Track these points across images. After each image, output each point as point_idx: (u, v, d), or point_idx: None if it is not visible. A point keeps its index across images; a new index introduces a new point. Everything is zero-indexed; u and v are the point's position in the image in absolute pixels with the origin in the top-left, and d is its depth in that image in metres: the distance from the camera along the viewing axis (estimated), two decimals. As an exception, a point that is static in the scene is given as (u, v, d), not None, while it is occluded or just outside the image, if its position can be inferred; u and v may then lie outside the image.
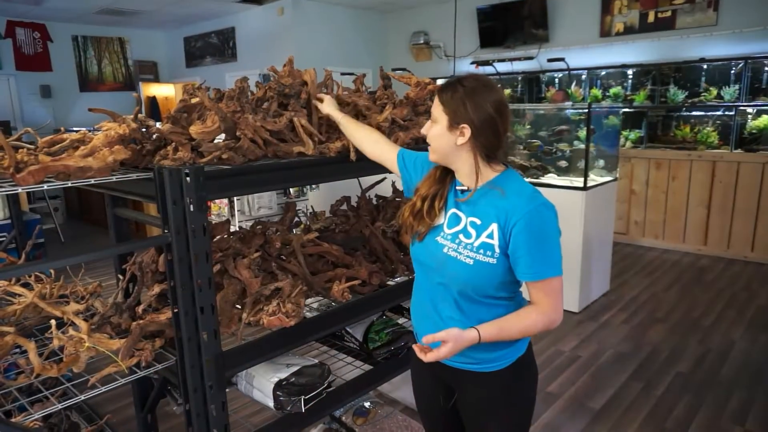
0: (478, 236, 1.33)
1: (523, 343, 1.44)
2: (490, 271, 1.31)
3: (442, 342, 1.25)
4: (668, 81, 6.08)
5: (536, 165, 4.55)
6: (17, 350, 1.56)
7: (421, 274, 1.48)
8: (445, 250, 1.37)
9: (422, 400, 1.61)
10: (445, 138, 1.34)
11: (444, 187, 1.43)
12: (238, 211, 3.96)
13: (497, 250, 1.30)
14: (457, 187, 1.41)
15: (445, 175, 1.44)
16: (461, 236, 1.35)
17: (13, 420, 1.34)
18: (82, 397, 1.38)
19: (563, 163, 4.54)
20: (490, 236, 1.31)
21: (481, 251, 1.31)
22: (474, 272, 1.32)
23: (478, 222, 1.34)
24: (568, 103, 6.09)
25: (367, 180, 2.24)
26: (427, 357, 1.27)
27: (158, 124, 1.55)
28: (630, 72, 6.43)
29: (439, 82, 1.65)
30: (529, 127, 5.07)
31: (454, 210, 1.40)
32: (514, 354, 1.41)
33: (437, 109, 1.35)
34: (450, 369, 1.44)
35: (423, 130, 1.42)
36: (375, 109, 1.93)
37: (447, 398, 1.51)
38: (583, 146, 4.25)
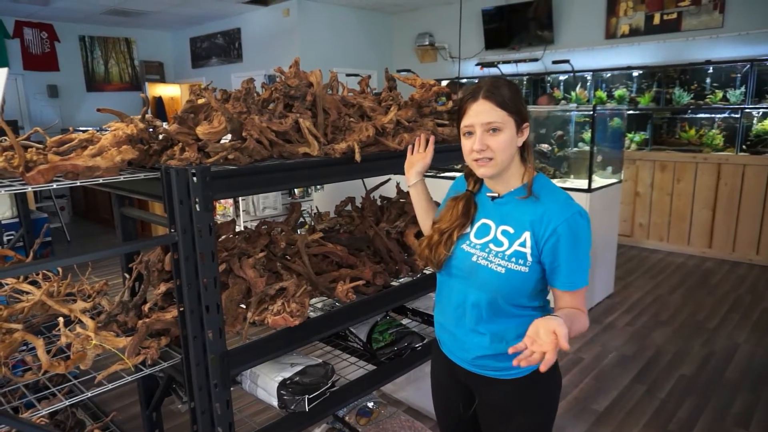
0: (510, 245, 1.29)
1: None
2: (522, 279, 1.28)
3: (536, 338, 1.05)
4: (673, 83, 6.07)
5: (541, 167, 4.56)
6: (24, 347, 1.58)
7: (449, 285, 1.43)
8: (474, 258, 1.34)
9: (441, 404, 1.59)
10: (513, 145, 1.28)
11: (468, 219, 1.38)
12: (243, 211, 3.97)
13: (530, 258, 1.27)
14: (488, 194, 1.38)
15: (468, 208, 1.39)
16: (491, 245, 1.32)
17: (20, 416, 1.36)
18: (89, 394, 1.39)
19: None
20: (523, 244, 1.28)
21: (513, 260, 1.28)
22: (505, 280, 1.29)
23: (511, 230, 1.31)
24: (573, 105, 6.09)
25: (372, 181, 2.25)
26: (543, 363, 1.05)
27: (165, 125, 1.56)
28: (635, 74, 6.42)
29: (444, 83, 1.64)
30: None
31: (483, 220, 1.37)
32: None
33: (496, 114, 1.25)
34: (470, 374, 1.42)
35: (477, 146, 1.26)
36: (380, 111, 1.94)
37: (467, 404, 1.49)
38: (586, 148, 4.25)
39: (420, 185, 1.63)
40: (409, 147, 1.67)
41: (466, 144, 1.31)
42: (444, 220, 1.42)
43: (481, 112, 1.25)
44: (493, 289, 1.31)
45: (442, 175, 3.84)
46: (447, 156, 2.04)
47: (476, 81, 1.33)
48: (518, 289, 1.30)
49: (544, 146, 4.68)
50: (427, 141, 1.66)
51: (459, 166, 2.86)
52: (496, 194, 1.36)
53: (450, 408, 1.55)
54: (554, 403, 1.45)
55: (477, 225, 1.38)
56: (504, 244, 1.30)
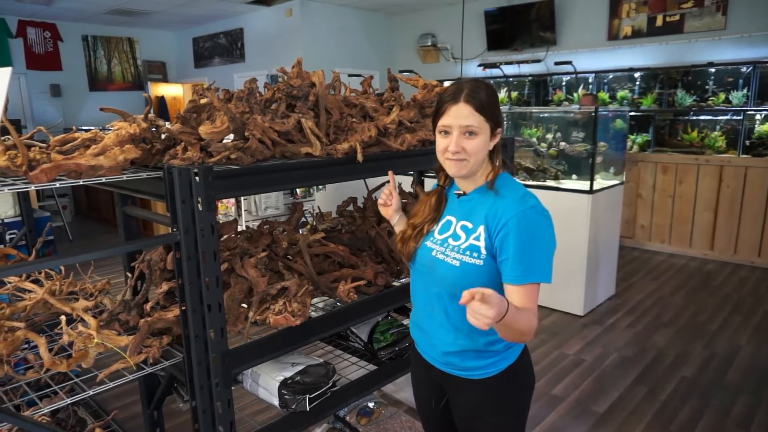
0: (466, 239, 1.33)
1: (514, 352, 1.42)
2: (476, 272, 1.30)
3: (482, 300, 1.02)
4: (676, 85, 6.06)
5: (542, 168, 4.55)
6: (26, 346, 1.58)
7: (417, 281, 1.49)
8: (433, 253, 1.39)
9: (419, 401, 1.63)
10: (486, 148, 1.32)
11: (439, 214, 1.44)
12: (245, 210, 3.98)
13: (484, 251, 1.29)
14: (455, 192, 1.43)
15: (439, 203, 1.45)
16: (450, 240, 1.37)
17: (22, 414, 1.36)
18: (91, 392, 1.39)
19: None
20: (477, 238, 1.31)
21: (468, 253, 1.31)
22: (460, 274, 1.31)
23: (469, 225, 1.35)
24: (575, 106, 6.08)
25: (374, 181, 2.26)
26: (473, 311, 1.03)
27: (167, 124, 1.57)
28: (638, 76, 6.41)
29: (447, 84, 1.65)
30: (536, 129, 5.08)
31: (447, 217, 1.42)
32: (503, 363, 1.40)
33: (474, 119, 1.28)
34: (442, 373, 1.46)
35: (453, 148, 1.29)
36: (382, 111, 1.94)
37: (439, 400, 1.53)
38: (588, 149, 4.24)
39: (402, 219, 1.65)
40: (379, 202, 1.64)
41: (441, 142, 1.34)
42: (417, 215, 1.48)
43: (460, 116, 1.29)
44: (451, 283, 1.33)
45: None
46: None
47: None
48: (474, 283, 1.25)
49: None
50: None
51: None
52: (462, 192, 1.41)
53: (429, 406, 1.58)
54: (525, 405, 1.47)
55: (442, 222, 1.42)
56: (461, 238, 1.34)
